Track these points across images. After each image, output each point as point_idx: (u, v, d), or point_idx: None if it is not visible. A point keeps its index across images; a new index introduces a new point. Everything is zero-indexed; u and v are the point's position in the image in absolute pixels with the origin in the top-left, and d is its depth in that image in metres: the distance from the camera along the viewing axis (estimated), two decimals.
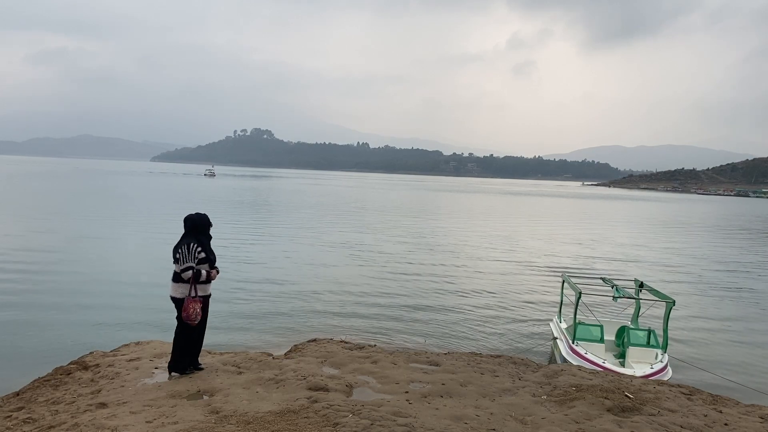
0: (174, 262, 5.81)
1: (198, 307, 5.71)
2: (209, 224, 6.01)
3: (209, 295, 6.05)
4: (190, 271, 5.69)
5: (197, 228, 5.89)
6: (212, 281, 5.98)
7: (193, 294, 5.72)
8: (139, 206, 40.08)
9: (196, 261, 5.72)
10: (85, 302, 12.80)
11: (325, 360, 6.75)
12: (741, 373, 10.14)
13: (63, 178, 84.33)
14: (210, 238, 6.05)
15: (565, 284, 11.09)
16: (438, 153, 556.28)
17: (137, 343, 7.54)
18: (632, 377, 6.85)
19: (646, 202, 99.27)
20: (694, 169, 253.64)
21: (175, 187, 75.71)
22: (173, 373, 6.03)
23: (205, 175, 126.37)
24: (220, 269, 6.15)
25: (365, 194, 79.30)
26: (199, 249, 5.76)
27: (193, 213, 6.06)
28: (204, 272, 5.75)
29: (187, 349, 6.04)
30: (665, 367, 8.54)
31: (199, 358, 6.60)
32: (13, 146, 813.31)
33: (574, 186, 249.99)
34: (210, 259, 5.86)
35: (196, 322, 5.76)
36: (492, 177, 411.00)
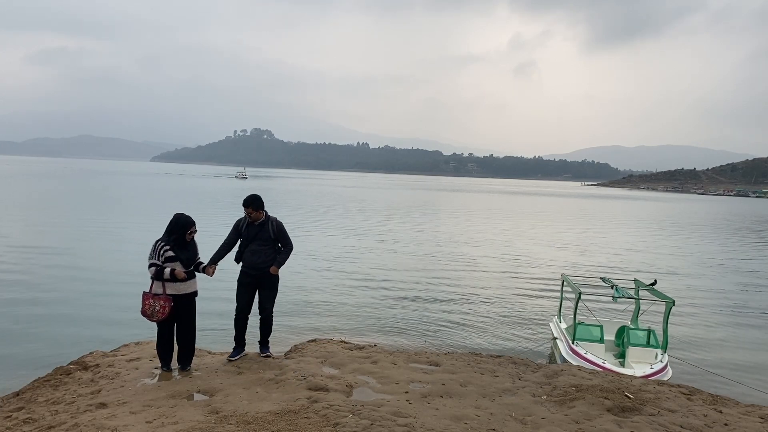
0: None
1: (158, 303, 5.80)
2: (185, 227, 6.00)
3: (191, 294, 6.07)
4: (153, 268, 5.84)
5: (172, 228, 5.99)
6: (191, 280, 6.03)
7: (159, 291, 5.85)
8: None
9: (162, 259, 5.84)
10: (85, 302, 12.79)
11: (325, 360, 6.75)
12: (741, 373, 10.13)
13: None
14: (186, 239, 6.03)
15: (565, 284, 11.09)
16: (438, 153, 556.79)
17: (137, 343, 7.54)
18: (632, 377, 6.85)
19: (646, 202, 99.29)
20: (694, 169, 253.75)
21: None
22: (163, 368, 6.22)
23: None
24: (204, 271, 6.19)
25: (364, 194, 79.27)
26: (167, 248, 5.87)
27: (177, 214, 6.12)
28: (167, 270, 5.81)
29: (161, 344, 6.14)
30: (665, 367, 8.54)
31: (200, 359, 6.59)
32: (12, 146, 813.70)
33: (573, 186, 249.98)
34: (181, 259, 5.91)
35: (154, 319, 5.86)
36: (492, 177, 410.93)
